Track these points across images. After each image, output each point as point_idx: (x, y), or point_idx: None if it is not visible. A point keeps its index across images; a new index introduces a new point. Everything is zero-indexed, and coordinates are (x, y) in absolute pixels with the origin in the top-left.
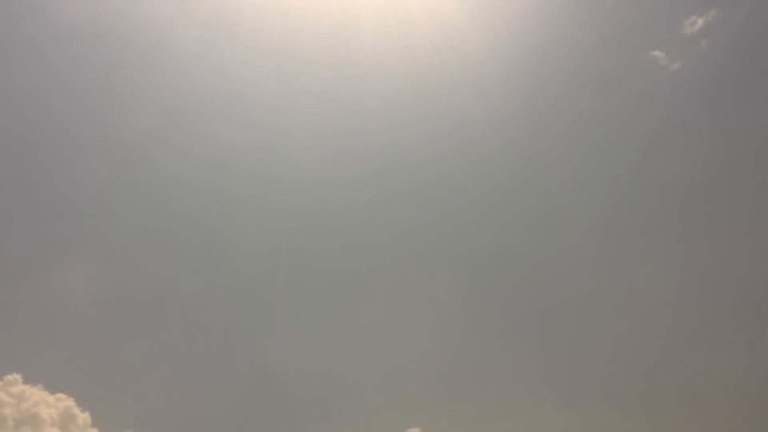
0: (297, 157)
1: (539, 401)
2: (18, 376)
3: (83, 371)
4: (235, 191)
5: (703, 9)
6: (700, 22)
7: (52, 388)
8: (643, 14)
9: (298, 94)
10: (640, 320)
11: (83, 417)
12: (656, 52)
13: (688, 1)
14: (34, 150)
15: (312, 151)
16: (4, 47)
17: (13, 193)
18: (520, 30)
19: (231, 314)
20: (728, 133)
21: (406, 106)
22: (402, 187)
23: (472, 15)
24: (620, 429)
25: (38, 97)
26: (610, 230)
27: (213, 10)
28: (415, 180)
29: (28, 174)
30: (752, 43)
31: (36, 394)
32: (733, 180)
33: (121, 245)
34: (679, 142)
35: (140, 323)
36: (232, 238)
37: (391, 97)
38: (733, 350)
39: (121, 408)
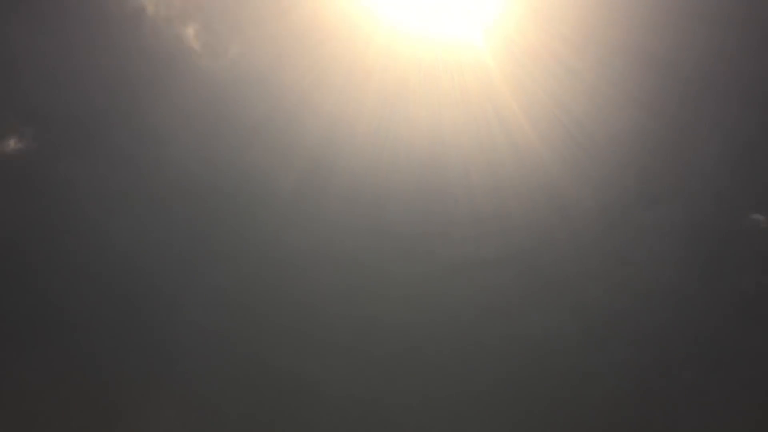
0: (385, 323)
1: None
2: None
3: None
4: (325, 338)
5: None
6: None
7: None
8: (742, 178)
9: (389, 254)
10: None
11: None
12: (756, 216)
13: None
14: (137, 302)
15: (400, 313)
16: (119, 204)
17: (112, 339)
18: (615, 193)
19: None
20: None
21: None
22: None
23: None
24: None
25: (139, 250)
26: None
27: (308, 165)
28: None
29: (128, 321)
30: None
31: None
32: None
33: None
34: None
35: None
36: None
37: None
38: None
39: None
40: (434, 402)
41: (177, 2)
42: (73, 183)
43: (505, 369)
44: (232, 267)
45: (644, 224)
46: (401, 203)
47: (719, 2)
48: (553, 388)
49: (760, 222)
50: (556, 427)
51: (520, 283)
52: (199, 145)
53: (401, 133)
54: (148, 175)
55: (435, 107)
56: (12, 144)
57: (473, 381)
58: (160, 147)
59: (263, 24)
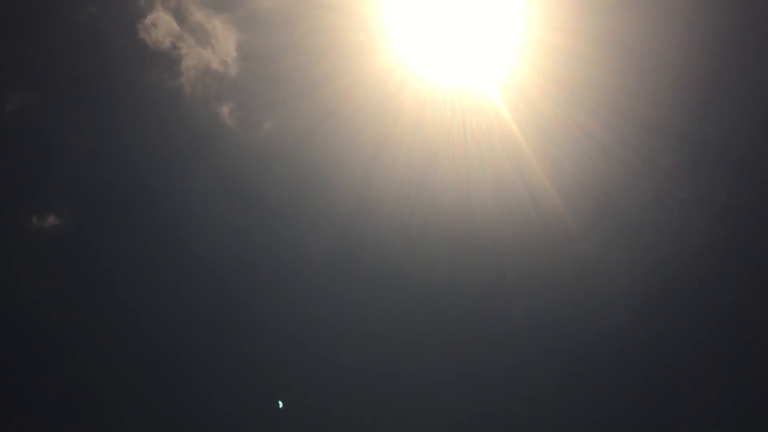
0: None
1: None
2: None
3: None
4: (350, 408)
5: None
6: None
7: None
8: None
9: (419, 323)
10: None
11: None
12: None
13: None
14: (169, 371)
15: (430, 382)
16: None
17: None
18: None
19: None
20: None
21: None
22: None
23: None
24: None
25: (174, 322)
26: None
27: (337, 239)
28: None
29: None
30: None
31: None
32: None
33: None
34: None
35: None
36: None
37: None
38: None
39: None
40: None
41: (213, 83)
42: (111, 257)
43: None
44: (263, 337)
45: (671, 293)
46: (429, 272)
47: (735, 75)
48: None
49: None
50: None
51: (547, 350)
52: (234, 218)
53: (429, 203)
54: (184, 249)
55: (463, 178)
56: (51, 220)
57: None
58: (197, 221)
59: (294, 101)
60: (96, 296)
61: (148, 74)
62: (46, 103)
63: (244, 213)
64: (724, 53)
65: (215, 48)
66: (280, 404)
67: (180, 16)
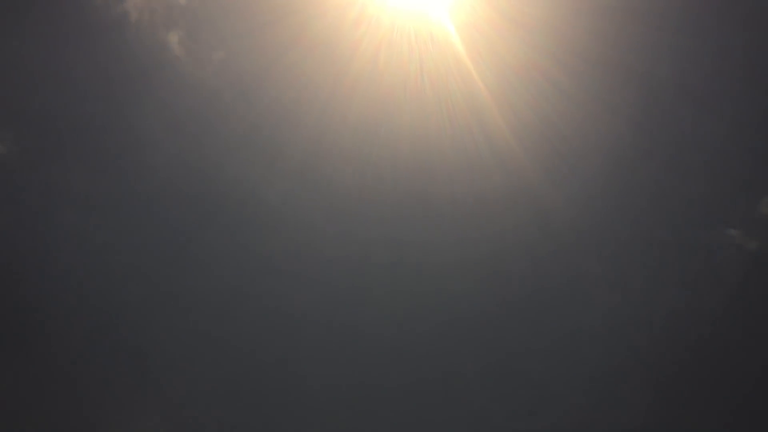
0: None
1: None
2: None
3: None
4: (309, 343)
5: None
6: None
7: None
8: (717, 192)
9: (372, 261)
10: None
11: None
12: (731, 231)
13: (765, 180)
14: (118, 309)
15: (382, 318)
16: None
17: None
18: (595, 206)
19: None
20: None
21: None
22: None
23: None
24: None
25: (121, 257)
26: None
27: (294, 173)
28: None
29: (109, 327)
30: None
31: None
32: None
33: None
34: (754, 323)
35: None
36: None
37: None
38: None
39: None
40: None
41: (161, 9)
42: (54, 188)
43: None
44: (216, 274)
45: (623, 237)
46: (385, 210)
47: (698, 17)
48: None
49: (734, 237)
50: None
51: (499, 292)
52: (183, 152)
53: (387, 142)
54: (130, 182)
55: (420, 117)
56: None
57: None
58: (143, 154)
59: (248, 31)
60: (36, 228)
61: None
62: None
63: (194, 146)
64: None
65: None
66: None
67: None
